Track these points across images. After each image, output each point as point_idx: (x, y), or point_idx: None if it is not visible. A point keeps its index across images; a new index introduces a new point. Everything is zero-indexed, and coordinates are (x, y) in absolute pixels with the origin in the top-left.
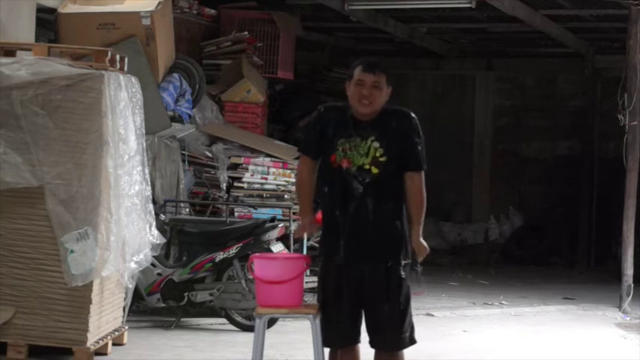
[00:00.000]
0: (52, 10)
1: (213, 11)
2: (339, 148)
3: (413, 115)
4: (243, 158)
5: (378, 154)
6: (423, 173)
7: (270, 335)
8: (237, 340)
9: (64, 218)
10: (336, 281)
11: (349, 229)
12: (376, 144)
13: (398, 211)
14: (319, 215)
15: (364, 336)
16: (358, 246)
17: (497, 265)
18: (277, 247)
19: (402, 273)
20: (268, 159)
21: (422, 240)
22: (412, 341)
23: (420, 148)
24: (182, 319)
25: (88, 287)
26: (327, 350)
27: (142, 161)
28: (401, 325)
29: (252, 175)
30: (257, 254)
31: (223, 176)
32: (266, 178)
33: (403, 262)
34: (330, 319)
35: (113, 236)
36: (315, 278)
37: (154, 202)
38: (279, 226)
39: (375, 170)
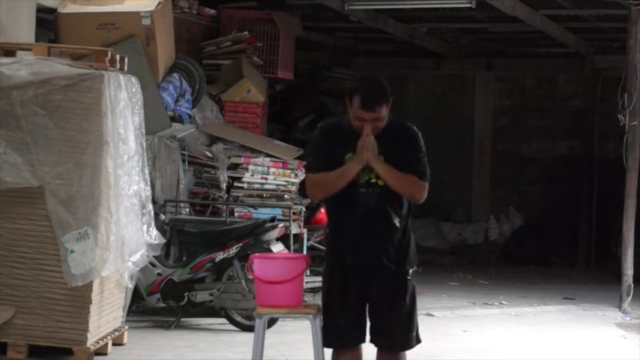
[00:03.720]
0: (52, 10)
1: (213, 11)
2: (347, 162)
3: (416, 130)
4: (243, 158)
5: None
6: (426, 185)
7: (270, 335)
8: (237, 340)
9: (64, 218)
10: (341, 285)
11: (357, 240)
12: (381, 157)
13: (404, 223)
14: (319, 215)
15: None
16: (366, 255)
17: (497, 265)
18: (277, 247)
19: (408, 277)
20: (268, 159)
21: (374, 157)
22: (418, 340)
23: (423, 161)
24: (182, 319)
25: (88, 287)
26: (328, 350)
27: (141, 161)
28: (408, 326)
29: (252, 175)
30: (257, 254)
31: (223, 176)
32: (266, 178)
33: (410, 270)
34: (333, 321)
35: (113, 236)
36: (315, 278)
37: (154, 202)
38: (279, 226)
39: (381, 183)
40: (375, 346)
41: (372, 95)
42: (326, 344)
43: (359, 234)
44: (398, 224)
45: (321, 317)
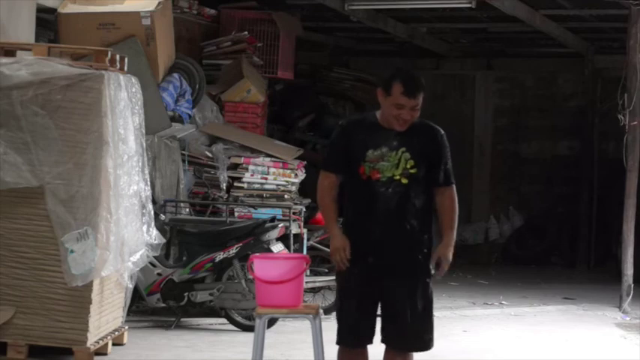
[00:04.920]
0: (52, 10)
1: (213, 11)
2: (369, 159)
3: (442, 131)
4: (243, 158)
5: (408, 166)
6: (454, 187)
7: (270, 335)
8: (237, 340)
9: (64, 218)
10: (360, 286)
11: (381, 240)
12: (407, 155)
13: (426, 222)
14: (319, 215)
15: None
16: (385, 257)
17: (498, 265)
18: (277, 247)
19: (428, 278)
20: (268, 159)
21: (450, 251)
22: (429, 345)
23: (450, 165)
24: (182, 319)
25: (88, 287)
26: (327, 350)
27: (141, 161)
28: (426, 327)
29: (252, 175)
30: (257, 254)
31: (223, 176)
32: (266, 178)
33: (431, 272)
34: (350, 320)
35: (113, 236)
36: (315, 278)
37: (154, 202)
38: (279, 226)
39: (404, 181)
40: (391, 346)
41: (414, 81)
42: (340, 342)
43: (382, 234)
44: (421, 224)
45: (322, 317)
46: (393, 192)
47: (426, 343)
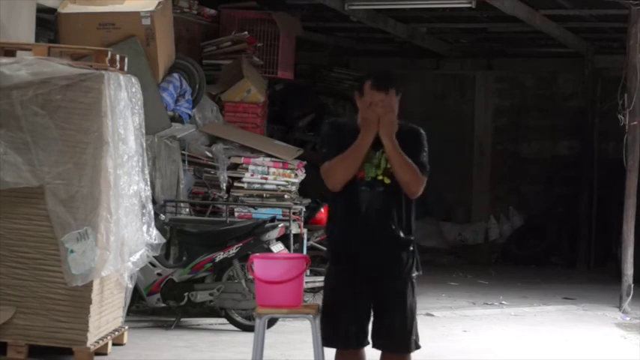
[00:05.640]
0: (52, 10)
1: (213, 11)
2: None
3: (422, 131)
4: (243, 158)
5: (388, 165)
6: (424, 180)
7: (270, 335)
8: (237, 340)
9: (64, 218)
10: (348, 286)
11: (365, 240)
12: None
13: (409, 221)
14: (319, 215)
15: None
16: (372, 256)
17: (498, 265)
18: (277, 247)
19: (413, 281)
20: (268, 159)
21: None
22: (417, 346)
23: (423, 156)
24: (182, 319)
25: (88, 287)
26: (328, 351)
27: (141, 161)
28: (412, 328)
29: (252, 175)
30: (257, 254)
31: (223, 176)
32: (266, 178)
33: (414, 274)
34: (339, 322)
35: (113, 236)
36: (315, 278)
37: (154, 202)
38: (279, 226)
39: (387, 181)
40: (380, 348)
41: (383, 75)
42: (333, 344)
43: (369, 234)
44: (405, 225)
45: (320, 317)
46: (377, 191)
47: (414, 344)
